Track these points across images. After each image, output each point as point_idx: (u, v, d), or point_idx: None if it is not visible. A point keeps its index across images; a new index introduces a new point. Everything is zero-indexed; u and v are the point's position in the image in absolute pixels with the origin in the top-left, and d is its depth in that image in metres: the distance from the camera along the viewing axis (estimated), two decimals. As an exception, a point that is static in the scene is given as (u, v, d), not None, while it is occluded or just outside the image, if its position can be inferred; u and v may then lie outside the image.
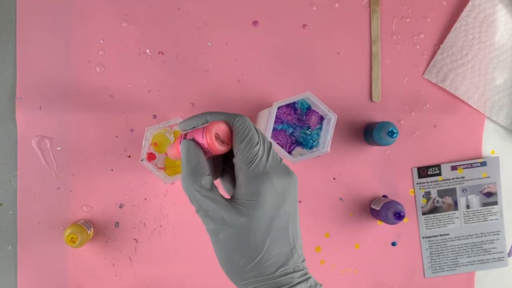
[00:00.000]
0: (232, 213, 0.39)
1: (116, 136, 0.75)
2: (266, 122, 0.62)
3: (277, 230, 0.40)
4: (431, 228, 0.79)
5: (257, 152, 0.40)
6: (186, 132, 0.43)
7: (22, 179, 0.73)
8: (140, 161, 0.64)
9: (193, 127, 0.43)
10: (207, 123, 0.42)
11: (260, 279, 0.39)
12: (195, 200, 0.40)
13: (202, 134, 0.40)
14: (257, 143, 0.40)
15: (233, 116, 0.41)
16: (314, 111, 0.64)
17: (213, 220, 0.40)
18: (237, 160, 0.40)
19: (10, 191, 0.74)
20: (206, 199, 0.39)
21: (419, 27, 0.78)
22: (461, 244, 0.79)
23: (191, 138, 0.42)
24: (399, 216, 0.69)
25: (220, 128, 0.41)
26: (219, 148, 0.40)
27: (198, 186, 0.39)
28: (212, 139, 0.40)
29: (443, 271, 0.79)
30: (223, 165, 0.45)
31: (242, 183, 0.40)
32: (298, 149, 0.64)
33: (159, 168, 0.65)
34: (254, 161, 0.40)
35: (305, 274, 0.41)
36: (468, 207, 0.79)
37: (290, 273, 0.40)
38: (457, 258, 0.79)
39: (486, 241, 0.79)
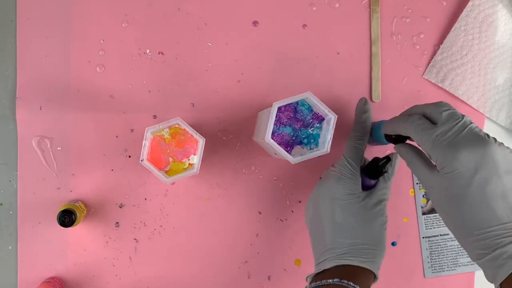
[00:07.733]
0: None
1: (116, 136, 0.75)
2: (266, 122, 0.62)
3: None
4: (431, 228, 0.79)
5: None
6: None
7: (22, 179, 0.73)
8: (140, 161, 0.64)
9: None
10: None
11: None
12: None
13: None
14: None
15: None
16: (314, 111, 0.64)
17: None
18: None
19: (10, 191, 0.74)
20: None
21: (419, 27, 0.78)
22: (461, 244, 0.79)
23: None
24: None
25: None
26: None
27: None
28: None
29: (443, 271, 0.79)
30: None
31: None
32: (298, 149, 0.64)
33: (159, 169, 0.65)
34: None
35: None
36: (468, 207, 0.79)
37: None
38: (457, 258, 0.79)
39: (486, 241, 0.79)
